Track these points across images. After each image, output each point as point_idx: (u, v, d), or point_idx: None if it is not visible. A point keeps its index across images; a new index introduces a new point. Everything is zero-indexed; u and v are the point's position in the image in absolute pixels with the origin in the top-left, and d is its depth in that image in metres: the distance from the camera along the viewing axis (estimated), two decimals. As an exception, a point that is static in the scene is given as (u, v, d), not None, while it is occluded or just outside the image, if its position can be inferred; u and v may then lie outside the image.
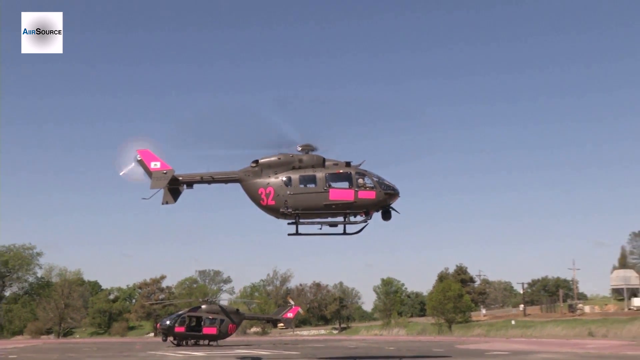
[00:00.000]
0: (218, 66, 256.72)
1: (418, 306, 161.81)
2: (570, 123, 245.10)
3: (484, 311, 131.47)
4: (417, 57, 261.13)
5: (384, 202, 28.90)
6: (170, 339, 66.13)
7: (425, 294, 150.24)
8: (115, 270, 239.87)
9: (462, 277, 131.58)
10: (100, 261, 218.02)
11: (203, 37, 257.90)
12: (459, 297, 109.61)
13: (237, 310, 72.36)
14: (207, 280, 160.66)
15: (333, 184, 28.86)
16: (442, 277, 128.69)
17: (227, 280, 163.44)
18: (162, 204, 29.66)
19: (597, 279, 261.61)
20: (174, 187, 29.84)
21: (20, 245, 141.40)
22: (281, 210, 28.65)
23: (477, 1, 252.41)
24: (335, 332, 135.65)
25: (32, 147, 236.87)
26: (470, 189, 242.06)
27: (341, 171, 29.22)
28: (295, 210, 28.58)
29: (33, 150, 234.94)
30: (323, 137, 29.48)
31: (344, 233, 29.49)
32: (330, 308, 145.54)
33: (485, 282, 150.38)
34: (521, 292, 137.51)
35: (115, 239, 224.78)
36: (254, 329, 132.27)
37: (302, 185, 28.80)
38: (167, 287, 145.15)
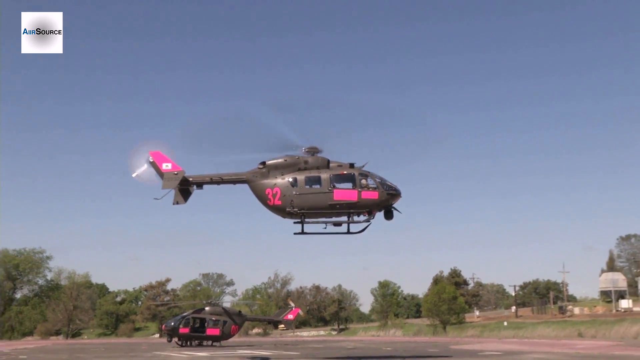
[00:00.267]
0: (226, 72, 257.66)
1: (414, 308, 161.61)
2: (561, 129, 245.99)
3: (477, 313, 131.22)
4: (416, 64, 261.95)
5: (386, 202, 28.99)
6: (175, 339, 66.00)
7: (420, 296, 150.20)
8: (122, 273, 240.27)
9: (456, 279, 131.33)
10: (108, 264, 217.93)
11: (211, 44, 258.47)
12: (453, 299, 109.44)
13: (240, 312, 72.23)
14: (210, 283, 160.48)
15: (337, 185, 28.92)
16: (437, 280, 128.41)
17: (230, 283, 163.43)
18: (173, 204, 29.61)
19: (586, 282, 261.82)
20: (185, 188, 29.78)
21: (31, 249, 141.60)
22: (287, 209, 28.71)
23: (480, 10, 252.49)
24: (334, 333, 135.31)
25: (42, 153, 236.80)
26: (464, 194, 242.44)
27: (345, 172, 29.23)
28: (301, 210, 28.64)
29: (43, 156, 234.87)
30: (327, 140, 29.63)
31: (348, 232, 29.57)
32: (329, 310, 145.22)
33: (479, 284, 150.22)
34: (513, 294, 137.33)
35: (122, 242, 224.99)
36: (255, 330, 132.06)
37: (307, 186, 28.85)
38: (172, 289, 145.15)
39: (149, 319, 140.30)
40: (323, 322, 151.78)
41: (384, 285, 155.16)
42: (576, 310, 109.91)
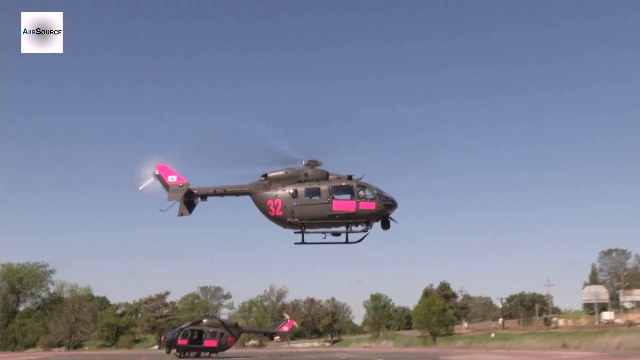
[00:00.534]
0: (225, 87, 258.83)
1: (405, 320, 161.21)
2: (546, 145, 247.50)
3: (465, 324, 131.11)
4: (409, 80, 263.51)
5: (383, 213, 29.15)
6: (174, 351, 65.56)
7: (411, 308, 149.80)
8: (122, 287, 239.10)
9: (445, 292, 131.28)
10: (109, 278, 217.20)
11: (214, 58, 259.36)
12: (443, 312, 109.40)
13: (236, 324, 71.92)
14: (208, 296, 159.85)
15: (336, 196, 29.07)
16: (427, 293, 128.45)
17: (227, 296, 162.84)
18: (178, 215, 29.72)
19: (570, 295, 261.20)
20: (189, 200, 29.91)
21: (34, 263, 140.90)
22: (288, 220, 28.87)
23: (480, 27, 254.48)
24: (327, 344, 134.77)
25: (44, 168, 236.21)
26: (453, 209, 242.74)
27: (343, 184, 29.40)
28: (301, 220, 28.80)
29: (46, 170, 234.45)
30: (327, 153, 29.86)
31: (347, 242, 29.73)
32: (323, 322, 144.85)
33: (467, 297, 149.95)
34: (500, 306, 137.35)
35: (124, 256, 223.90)
36: (251, 342, 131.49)
37: (307, 197, 29.01)
38: (171, 302, 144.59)
39: (148, 331, 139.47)
40: (317, 333, 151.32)
41: (375, 298, 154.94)
42: (560, 322, 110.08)
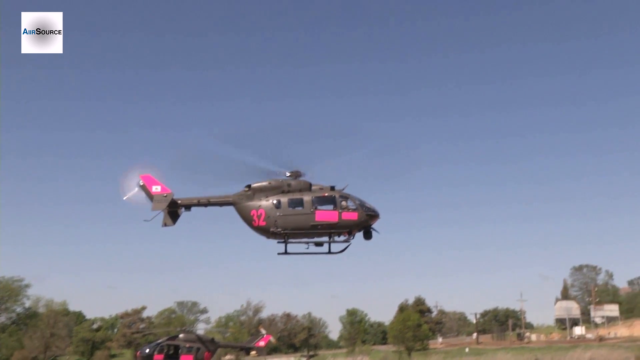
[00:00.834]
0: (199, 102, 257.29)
1: (380, 335, 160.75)
2: (519, 162, 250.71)
3: (440, 339, 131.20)
4: (394, 97, 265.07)
5: (365, 223, 29.28)
6: (150, 366, 64.65)
7: (386, 323, 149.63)
8: (99, 301, 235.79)
9: (420, 307, 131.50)
10: (85, 292, 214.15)
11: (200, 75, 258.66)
12: (418, 327, 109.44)
13: (213, 339, 71.12)
14: (185, 311, 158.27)
15: (319, 207, 29.19)
16: (402, 308, 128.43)
17: (204, 311, 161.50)
18: (162, 226, 29.62)
19: (542, 310, 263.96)
20: (173, 210, 29.85)
21: (10, 277, 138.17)
22: (271, 230, 28.90)
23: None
24: (304, 359, 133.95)
25: (19, 180, 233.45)
26: (428, 224, 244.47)
27: (326, 194, 29.54)
28: (285, 231, 28.84)
29: (21, 182, 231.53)
30: (309, 164, 30.07)
31: (329, 252, 29.68)
32: (299, 337, 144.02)
33: (442, 312, 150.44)
34: (474, 321, 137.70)
35: (99, 271, 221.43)
36: (228, 357, 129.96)
37: (290, 208, 29.08)
38: (148, 317, 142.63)
39: (124, 346, 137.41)
40: (293, 348, 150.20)
41: (351, 313, 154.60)
42: (533, 337, 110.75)
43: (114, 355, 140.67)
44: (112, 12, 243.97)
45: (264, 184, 29.72)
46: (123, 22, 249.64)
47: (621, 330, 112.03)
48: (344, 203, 29.14)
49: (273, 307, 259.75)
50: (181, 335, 66.55)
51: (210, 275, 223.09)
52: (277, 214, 28.94)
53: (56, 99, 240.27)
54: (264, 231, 29.23)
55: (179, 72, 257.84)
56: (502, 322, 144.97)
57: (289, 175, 30.17)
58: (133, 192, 30.05)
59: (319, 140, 31.71)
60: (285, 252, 29.43)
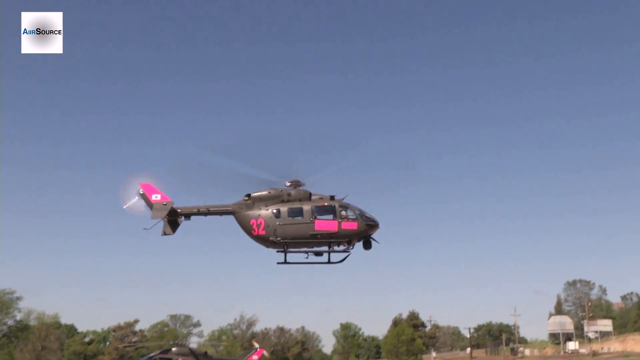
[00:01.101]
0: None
1: (374, 349, 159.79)
2: (513, 177, 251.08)
3: (434, 354, 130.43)
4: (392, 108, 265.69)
5: (365, 233, 29.25)
6: (142, 379, 63.86)
7: (380, 337, 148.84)
8: (91, 314, 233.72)
9: (414, 322, 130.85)
10: (77, 305, 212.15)
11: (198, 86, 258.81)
12: (412, 341, 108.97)
13: (206, 352, 70.07)
14: (177, 324, 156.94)
15: (318, 216, 29.16)
16: (396, 322, 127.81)
17: (197, 324, 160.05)
18: (162, 235, 29.47)
19: (535, 324, 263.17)
20: (173, 219, 29.72)
21: (1, 290, 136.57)
22: (271, 239, 28.84)
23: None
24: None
25: (8, 191, 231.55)
26: (421, 239, 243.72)
27: (326, 204, 29.52)
28: (284, 240, 28.77)
29: (12, 194, 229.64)
30: (309, 174, 30.10)
31: (329, 262, 29.55)
32: (293, 351, 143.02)
33: (436, 326, 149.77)
34: (468, 336, 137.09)
35: (92, 284, 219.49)
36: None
37: (290, 217, 29.04)
38: (140, 330, 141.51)
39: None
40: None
41: (345, 327, 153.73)
42: (527, 352, 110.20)
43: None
44: (113, 15, 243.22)
45: (264, 193, 29.71)
46: (124, 30, 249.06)
47: (614, 345, 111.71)
48: (343, 213, 29.14)
49: (266, 320, 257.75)
50: (174, 349, 65.56)
51: (203, 289, 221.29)
52: (277, 223, 28.90)
53: (55, 100, 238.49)
54: (264, 240, 29.19)
55: (179, 81, 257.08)
56: (496, 337, 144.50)
57: (289, 185, 30.21)
58: (133, 200, 29.98)
59: (319, 149, 31.79)
60: (285, 262, 29.32)
